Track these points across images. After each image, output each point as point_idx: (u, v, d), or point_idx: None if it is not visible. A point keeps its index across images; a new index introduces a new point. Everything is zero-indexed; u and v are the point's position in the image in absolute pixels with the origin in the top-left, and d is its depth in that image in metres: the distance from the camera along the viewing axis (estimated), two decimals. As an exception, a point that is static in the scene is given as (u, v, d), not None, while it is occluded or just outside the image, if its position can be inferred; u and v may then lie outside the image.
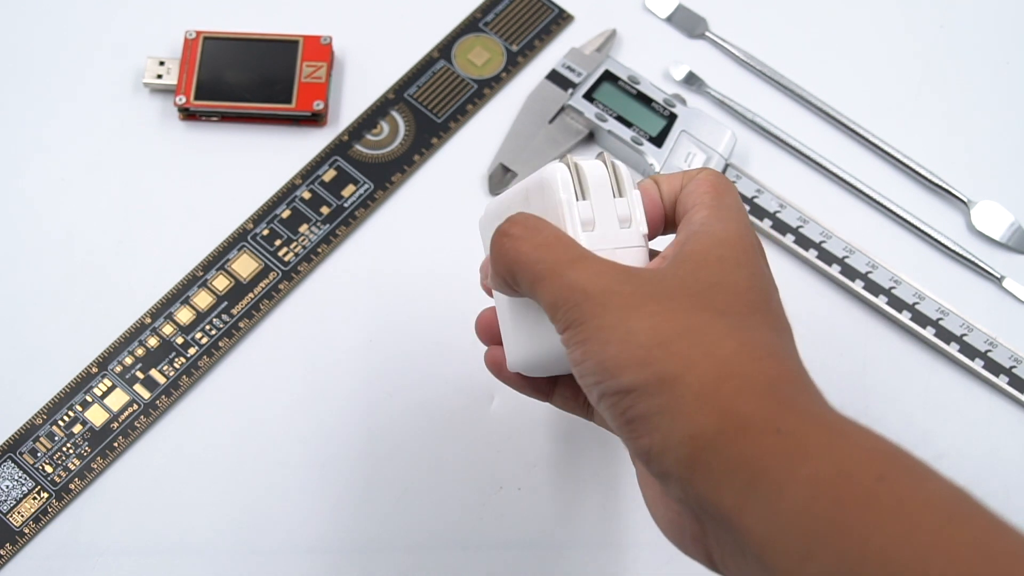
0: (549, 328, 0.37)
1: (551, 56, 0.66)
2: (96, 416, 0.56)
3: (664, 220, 0.41)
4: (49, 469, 0.55)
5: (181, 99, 0.62)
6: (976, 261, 0.61)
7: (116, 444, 0.56)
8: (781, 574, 0.31)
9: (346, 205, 0.62)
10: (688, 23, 0.67)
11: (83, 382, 0.57)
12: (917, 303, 0.59)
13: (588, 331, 0.35)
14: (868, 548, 0.29)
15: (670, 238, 0.41)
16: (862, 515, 0.30)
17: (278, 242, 0.61)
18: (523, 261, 0.37)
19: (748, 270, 0.37)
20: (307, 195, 0.62)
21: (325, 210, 0.61)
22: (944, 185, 0.63)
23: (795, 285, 0.60)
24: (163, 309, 0.59)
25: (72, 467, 0.55)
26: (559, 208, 0.39)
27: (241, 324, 0.59)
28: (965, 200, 0.62)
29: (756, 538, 0.31)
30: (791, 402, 0.33)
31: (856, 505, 0.30)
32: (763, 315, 0.36)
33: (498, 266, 0.38)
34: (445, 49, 0.66)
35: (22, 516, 0.54)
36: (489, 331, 0.45)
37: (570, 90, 0.63)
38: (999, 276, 0.61)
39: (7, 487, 0.55)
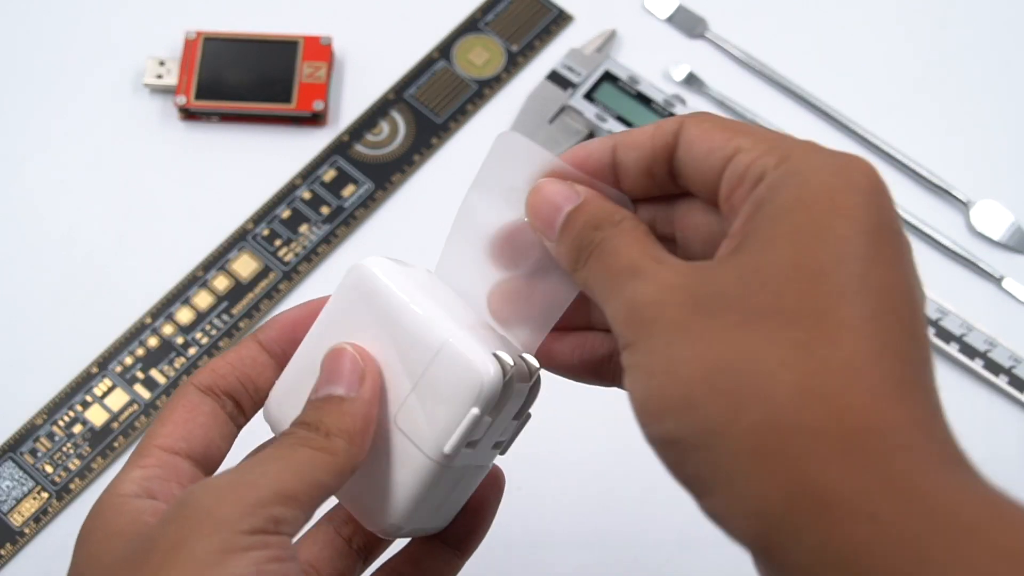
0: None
1: (551, 56, 0.66)
2: (96, 416, 0.56)
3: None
4: (49, 469, 0.55)
5: (181, 99, 0.62)
6: (975, 261, 0.61)
7: (116, 444, 0.56)
8: None
9: (346, 205, 0.62)
10: (688, 23, 0.67)
11: (83, 382, 0.57)
12: (917, 303, 0.59)
13: (635, 357, 0.27)
14: None
15: None
16: None
17: (278, 242, 0.61)
18: (595, 276, 0.30)
19: (840, 233, 0.26)
20: (307, 195, 0.62)
21: (325, 210, 0.61)
22: (943, 185, 0.63)
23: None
24: (163, 309, 0.59)
25: (72, 467, 0.55)
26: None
27: (241, 324, 0.59)
28: (964, 200, 0.62)
29: None
30: (890, 469, 0.24)
31: None
32: (859, 309, 0.25)
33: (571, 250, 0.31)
34: (445, 49, 0.66)
35: (22, 516, 0.54)
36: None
37: (570, 90, 0.63)
38: (998, 276, 0.61)
39: (7, 487, 0.55)
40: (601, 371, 0.34)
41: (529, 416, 0.34)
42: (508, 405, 0.33)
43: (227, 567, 0.27)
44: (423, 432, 0.33)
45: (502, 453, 0.36)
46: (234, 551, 0.27)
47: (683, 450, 0.26)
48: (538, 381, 0.34)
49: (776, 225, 0.26)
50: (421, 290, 0.34)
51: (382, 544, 0.37)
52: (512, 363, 0.32)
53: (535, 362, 0.34)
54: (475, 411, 0.32)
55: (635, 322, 0.27)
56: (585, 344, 0.35)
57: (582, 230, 0.30)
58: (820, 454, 0.24)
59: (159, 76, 0.63)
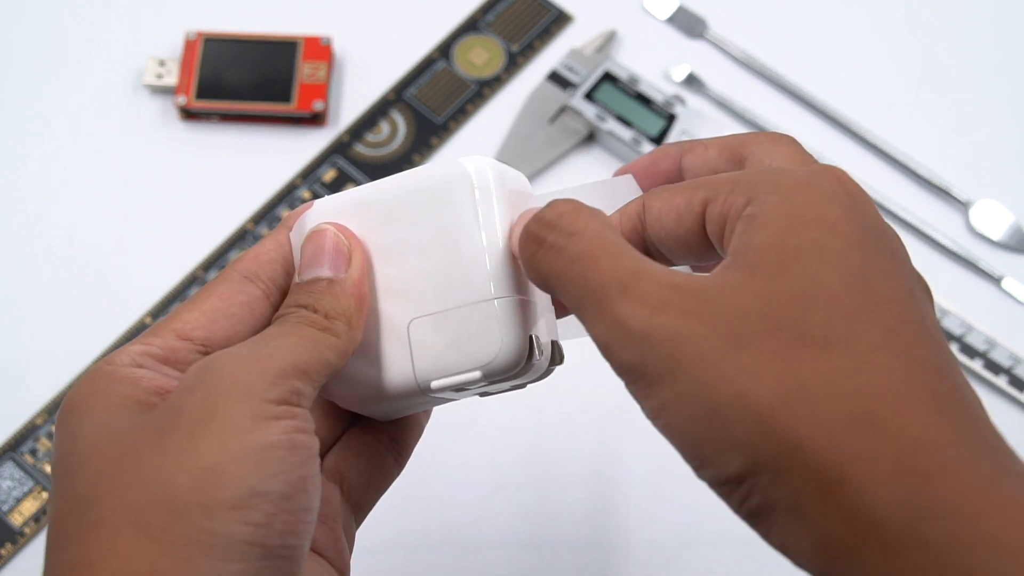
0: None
1: (551, 56, 0.66)
2: (96, 416, 0.56)
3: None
4: (49, 469, 0.55)
5: (182, 99, 0.62)
6: (975, 261, 0.61)
7: (116, 444, 0.56)
8: None
9: (346, 205, 0.62)
10: (688, 24, 0.67)
11: (83, 382, 0.57)
12: (917, 303, 0.59)
13: (663, 399, 0.26)
14: None
15: None
16: None
17: (278, 242, 0.61)
18: (562, 281, 0.28)
19: (835, 251, 0.26)
20: (307, 195, 0.62)
21: (325, 210, 0.61)
22: (943, 185, 0.63)
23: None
24: (163, 309, 0.59)
25: (72, 467, 0.55)
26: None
27: (241, 324, 0.59)
28: (964, 200, 0.62)
29: None
30: (940, 492, 0.24)
31: None
32: (878, 329, 0.25)
33: (533, 277, 0.30)
34: (445, 49, 0.66)
35: (22, 516, 0.55)
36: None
37: (570, 90, 0.63)
38: (998, 276, 0.61)
39: (7, 487, 0.55)
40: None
41: (524, 386, 0.34)
42: (515, 379, 0.33)
43: (261, 434, 0.27)
44: (424, 355, 0.32)
45: (481, 396, 0.36)
46: (266, 418, 0.27)
47: (748, 487, 0.25)
48: (552, 371, 0.34)
49: (778, 250, 0.26)
50: (505, 220, 0.32)
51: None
52: (541, 354, 0.32)
53: (562, 353, 0.33)
54: (477, 374, 0.32)
55: (650, 358, 0.26)
56: None
57: (528, 232, 0.29)
58: (877, 481, 0.24)
59: (159, 76, 0.63)
